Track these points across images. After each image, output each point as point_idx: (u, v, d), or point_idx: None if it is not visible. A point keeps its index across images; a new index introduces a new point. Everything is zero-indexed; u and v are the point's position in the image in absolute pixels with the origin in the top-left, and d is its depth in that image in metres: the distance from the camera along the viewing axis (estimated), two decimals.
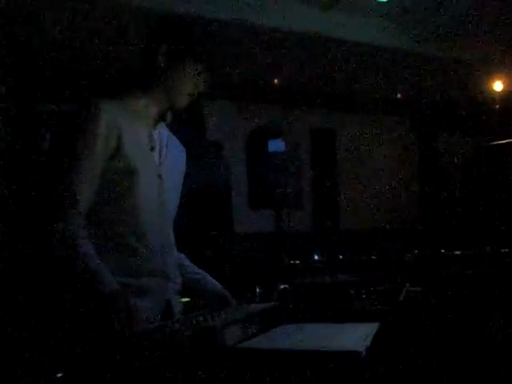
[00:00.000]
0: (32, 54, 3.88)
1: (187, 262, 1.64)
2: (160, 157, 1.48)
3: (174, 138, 1.58)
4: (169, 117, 1.52)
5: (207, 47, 1.49)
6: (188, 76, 1.45)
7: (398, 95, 5.30)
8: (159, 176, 1.45)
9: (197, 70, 1.46)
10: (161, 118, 1.49)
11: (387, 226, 5.53)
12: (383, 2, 3.52)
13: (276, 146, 3.11)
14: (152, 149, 1.45)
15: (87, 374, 1.19)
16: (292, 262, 3.91)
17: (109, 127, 1.34)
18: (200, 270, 1.63)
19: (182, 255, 1.64)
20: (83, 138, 1.33)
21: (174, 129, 1.58)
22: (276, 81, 4.69)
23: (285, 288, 2.31)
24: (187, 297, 1.68)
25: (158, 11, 3.29)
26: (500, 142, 4.87)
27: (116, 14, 3.43)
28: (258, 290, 2.18)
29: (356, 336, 1.19)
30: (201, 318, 1.25)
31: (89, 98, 1.38)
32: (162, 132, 1.52)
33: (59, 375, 1.24)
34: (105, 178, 1.35)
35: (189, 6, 3.38)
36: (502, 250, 3.77)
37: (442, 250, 4.10)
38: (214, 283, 1.61)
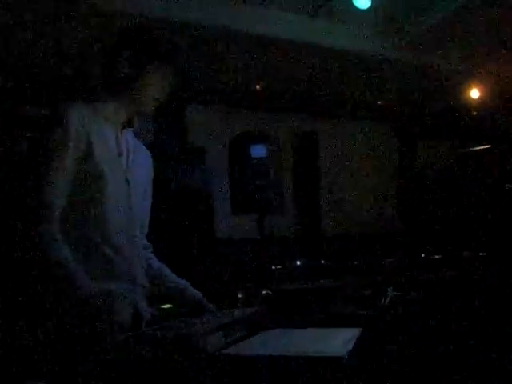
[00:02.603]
0: (1, 60, 3.81)
1: (167, 272, 1.63)
2: (127, 162, 1.49)
3: (140, 143, 1.60)
4: (135, 123, 1.54)
5: (171, 52, 1.50)
6: (153, 80, 1.47)
7: (380, 101, 5.37)
8: (127, 181, 1.47)
9: (162, 74, 1.48)
10: (128, 123, 1.52)
11: (369, 231, 5.58)
12: (364, 10, 3.57)
13: (258, 151, 3.12)
14: (120, 154, 1.47)
15: (66, 380, 1.17)
16: (274, 267, 3.91)
17: (78, 132, 1.36)
18: (180, 279, 1.62)
19: (163, 265, 1.63)
20: (54, 143, 1.34)
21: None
22: (259, 86, 4.71)
23: (267, 293, 2.31)
24: (169, 303, 1.66)
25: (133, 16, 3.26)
26: (476, 148, 4.96)
27: (88, 18, 3.38)
28: (240, 296, 2.18)
29: (339, 341, 1.19)
30: (183, 325, 1.24)
31: (58, 103, 1.39)
32: (129, 138, 1.54)
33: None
34: (75, 182, 1.36)
35: (175, 11, 3.37)
36: (480, 254, 3.85)
37: (423, 255, 4.15)
38: (194, 292, 1.60)
